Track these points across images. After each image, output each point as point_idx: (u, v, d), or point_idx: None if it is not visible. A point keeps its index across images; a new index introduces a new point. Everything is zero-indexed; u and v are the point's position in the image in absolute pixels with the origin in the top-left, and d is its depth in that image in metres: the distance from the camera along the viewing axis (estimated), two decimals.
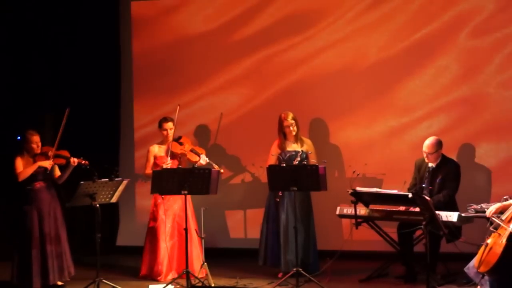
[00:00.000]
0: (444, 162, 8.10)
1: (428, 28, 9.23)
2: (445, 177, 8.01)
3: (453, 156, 8.66)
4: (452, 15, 9.13)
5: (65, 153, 7.96)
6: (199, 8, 10.06)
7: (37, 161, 7.87)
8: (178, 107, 8.65)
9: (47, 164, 7.84)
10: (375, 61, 9.41)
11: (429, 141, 8.06)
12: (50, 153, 7.91)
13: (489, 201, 8.18)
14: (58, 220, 8.06)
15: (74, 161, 7.92)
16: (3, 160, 8.17)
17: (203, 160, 8.44)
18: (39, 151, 7.93)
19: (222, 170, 8.28)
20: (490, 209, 6.58)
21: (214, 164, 8.35)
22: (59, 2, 10.35)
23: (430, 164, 8.11)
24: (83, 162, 7.94)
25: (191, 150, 8.52)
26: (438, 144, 8.06)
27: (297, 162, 8.22)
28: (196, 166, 8.04)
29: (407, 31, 9.30)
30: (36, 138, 7.94)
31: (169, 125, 8.58)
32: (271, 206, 8.49)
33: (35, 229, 7.90)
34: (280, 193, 8.24)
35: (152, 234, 8.54)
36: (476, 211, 7.50)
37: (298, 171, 7.81)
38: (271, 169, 7.90)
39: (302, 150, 8.41)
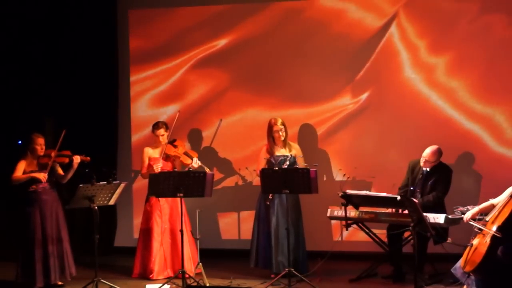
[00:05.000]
0: (438, 167, 8.16)
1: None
2: (437, 180, 8.10)
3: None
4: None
5: (67, 152, 8.11)
6: (194, 14, 10.14)
7: (35, 170, 8.01)
8: (177, 114, 8.72)
9: (41, 176, 7.95)
10: (365, 66, 9.51)
11: (430, 150, 8.11)
12: (52, 154, 8.04)
13: (477, 204, 8.35)
14: (60, 221, 8.16)
15: (77, 157, 8.05)
16: (5, 162, 8.30)
17: (195, 163, 8.51)
18: (42, 153, 8.07)
19: (213, 173, 8.43)
20: (467, 215, 6.64)
21: (205, 167, 8.45)
22: (58, 4, 10.42)
23: (424, 168, 8.18)
24: (85, 158, 8.08)
25: (185, 153, 8.62)
26: (439, 154, 8.12)
27: (286, 166, 8.25)
28: (190, 168, 8.20)
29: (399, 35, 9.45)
30: (41, 141, 8.08)
31: (160, 131, 8.64)
32: (262, 208, 8.51)
33: (37, 230, 8.01)
34: (270, 196, 8.31)
35: (145, 234, 8.63)
36: (462, 213, 7.46)
37: (290, 174, 7.88)
38: (264, 172, 7.97)
39: (290, 155, 8.44)
